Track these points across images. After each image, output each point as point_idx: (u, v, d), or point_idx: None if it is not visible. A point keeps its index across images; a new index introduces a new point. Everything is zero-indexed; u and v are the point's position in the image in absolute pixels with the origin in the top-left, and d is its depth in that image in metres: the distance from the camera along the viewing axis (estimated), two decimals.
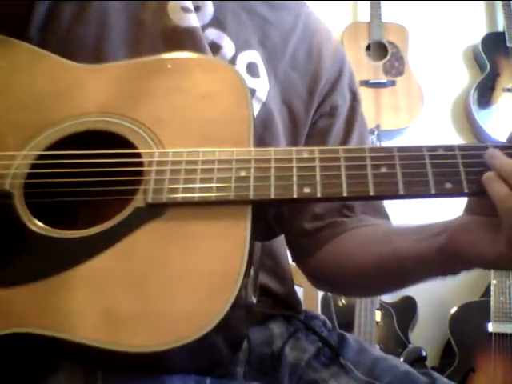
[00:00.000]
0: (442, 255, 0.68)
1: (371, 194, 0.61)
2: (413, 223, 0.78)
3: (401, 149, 0.63)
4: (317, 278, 0.94)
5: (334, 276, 0.89)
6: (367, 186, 0.62)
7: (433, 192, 0.60)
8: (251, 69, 0.89)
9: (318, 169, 0.63)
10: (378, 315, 2.33)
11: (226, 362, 0.68)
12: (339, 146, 0.67)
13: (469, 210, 0.67)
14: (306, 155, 0.65)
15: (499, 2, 2.89)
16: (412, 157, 0.62)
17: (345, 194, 0.62)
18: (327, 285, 0.96)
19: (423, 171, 0.61)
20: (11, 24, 0.84)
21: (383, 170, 0.62)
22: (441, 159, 0.62)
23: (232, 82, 0.73)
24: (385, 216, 0.93)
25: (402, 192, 0.61)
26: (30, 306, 0.59)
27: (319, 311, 2.09)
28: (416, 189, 0.61)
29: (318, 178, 0.63)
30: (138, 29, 0.85)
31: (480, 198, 0.64)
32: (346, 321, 2.21)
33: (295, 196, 0.62)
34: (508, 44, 2.77)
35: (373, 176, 0.62)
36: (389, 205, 0.95)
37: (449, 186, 0.60)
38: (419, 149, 0.63)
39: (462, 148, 0.62)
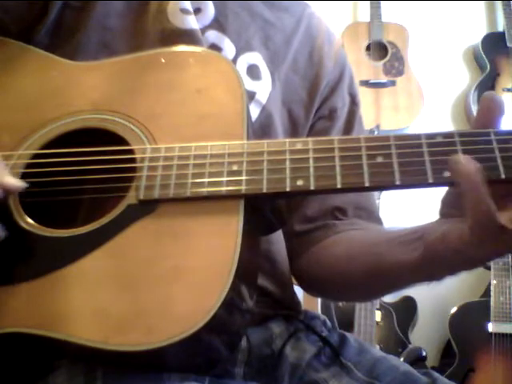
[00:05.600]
0: (421, 262, 0.67)
1: (366, 184, 0.60)
2: (399, 227, 0.77)
3: (398, 137, 0.62)
4: (303, 281, 0.93)
5: (321, 279, 0.88)
6: (362, 177, 0.60)
7: (430, 181, 0.58)
8: (252, 71, 0.88)
9: (311, 160, 0.62)
10: (378, 315, 2.33)
11: (223, 362, 0.67)
12: (334, 137, 0.65)
13: (445, 214, 0.65)
14: (299, 147, 0.63)
15: (499, 2, 2.90)
16: (409, 145, 0.61)
17: (339, 186, 0.60)
18: (313, 288, 0.95)
19: (421, 160, 0.59)
20: (21, 26, 0.83)
21: (379, 159, 0.60)
22: (439, 147, 0.60)
23: (225, 73, 0.73)
24: (378, 221, 0.92)
25: (398, 182, 0.59)
26: (23, 305, 0.59)
27: (319, 311, 2.09)
28: (413, 178, 0.59)
29: (311, 170, 0.61)
30: (139, 33, 0.85)
31: (455, 200, 0.62)
32: (346, 321, 2.21)
33: (288, 189, 0.61)
34: (508, 44, 2.77)
35: (368, 166, 0.60)
36: (389, 203, 0.94)
37: (447, 174, 0.58)
38: (417, 137, 0.61)
39: (461, 135, 0.60)
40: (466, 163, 0.55)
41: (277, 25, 0.93)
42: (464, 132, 0.60)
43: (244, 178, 0.62)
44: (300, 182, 0.61)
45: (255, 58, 0.89)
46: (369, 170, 0.60)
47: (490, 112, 0.60)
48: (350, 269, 0.82)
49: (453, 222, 0.61)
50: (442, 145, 0.60)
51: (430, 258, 0.65)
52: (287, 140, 0.65)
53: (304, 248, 0.89)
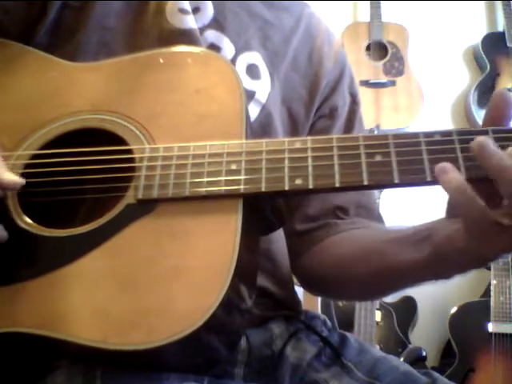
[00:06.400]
0: (428, 261, 0.67)
1: (365, 183, 0.60)
2: (401, 226, 0.77)
3: (396, 136, 0.62)
4: (305, 280, 0.93)
5: (325, 278, 0.88)
6: (361, 176, 0.60)
7: (429, 179, 0.59)
8: (251, 70, 0.88)
9: (310, 159, 0.62)
10: (378, 315, 2.32)
11: (223, 362, 0.67)
12: (333, 135, 0.65)
13: (452, 214, 0.65)
14: (298, 146, 0.64)
15: (499, 2, 2.89)
16: (407, 144, 0.61)
17: (337, 185, 0.60)
18: (316, 287, 0.95)
19: (419, 158, 0.59)
20: (20, 27, 0.83)
21: (378, 158, 0.61)
22: (437, 145, 0.60)
23: (224, 74, 0.73)
24: (379, 219, 0.92)
25: (396, 180, 0.59)
26: (22, 305, 0.59)
27: (319, 311, 2.09)
28: (411, 177, 0.59)
29: (310, 168, 0.61)
30: (138, 33, 0.85)
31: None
32: (346, 321, 2.20)
33: (287, 188, 0.61)
34: (508, 44, 2.76)
35: (367, 165, 0.60)
36: (389, 202, 0.94)
37: None
38: (415, 135, 0.61)
39: (460, 133, 0.60)
40: (450, 173, 0.57)
41: (276, 25, 0.93)
42: (462, 130, 0.61)
43: (243, 177, 0.62)
44: (299, 181, 0.61)
45: (254, 57, 0.89)
46: (367, 168, 0.60)
47: (500, 109, 0.60)
48: (355, 268, 0.82)
49: (457, 222, 0.61)
50: (440, 143, 0.60)
51: (438, 257, 0.65)
52: (286, 139, 0.65)
53: (306, 247, 0.88)
